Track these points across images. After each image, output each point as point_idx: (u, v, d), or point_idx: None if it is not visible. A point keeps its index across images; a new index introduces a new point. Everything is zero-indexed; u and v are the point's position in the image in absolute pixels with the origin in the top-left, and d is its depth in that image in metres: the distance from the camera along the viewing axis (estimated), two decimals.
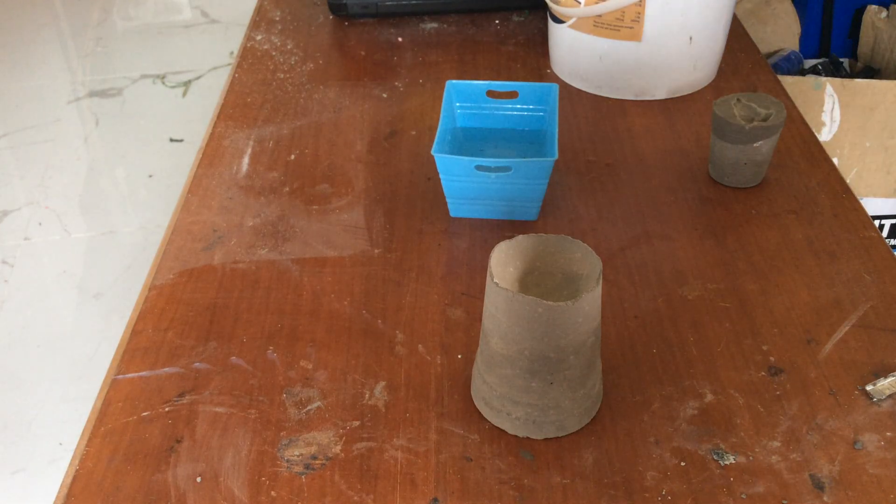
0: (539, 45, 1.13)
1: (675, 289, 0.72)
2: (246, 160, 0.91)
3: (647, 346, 0.67)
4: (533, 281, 0.60)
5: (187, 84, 2.47)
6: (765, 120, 0.80)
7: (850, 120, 1.50)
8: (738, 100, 0.82)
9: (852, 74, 1.78)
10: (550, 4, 1.01)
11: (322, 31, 1.19)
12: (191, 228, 0.81)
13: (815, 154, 0.89)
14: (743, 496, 0.55)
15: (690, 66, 0.98)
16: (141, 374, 0.66)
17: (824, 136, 1.52)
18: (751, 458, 0.58)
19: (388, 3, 1.19)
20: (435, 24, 1.20)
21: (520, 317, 0.54)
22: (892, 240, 1.61)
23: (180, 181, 2.04)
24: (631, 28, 0.94)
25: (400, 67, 1.09)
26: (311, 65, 1.10)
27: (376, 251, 0.77)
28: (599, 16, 0.95)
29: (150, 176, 2.07)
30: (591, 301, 0.54)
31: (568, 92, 1.02)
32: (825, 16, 1.81)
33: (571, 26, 0.98)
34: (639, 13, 0.92)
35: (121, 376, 0.65)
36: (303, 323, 0.70)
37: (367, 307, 0.71)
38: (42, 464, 1.39)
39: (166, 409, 0.63)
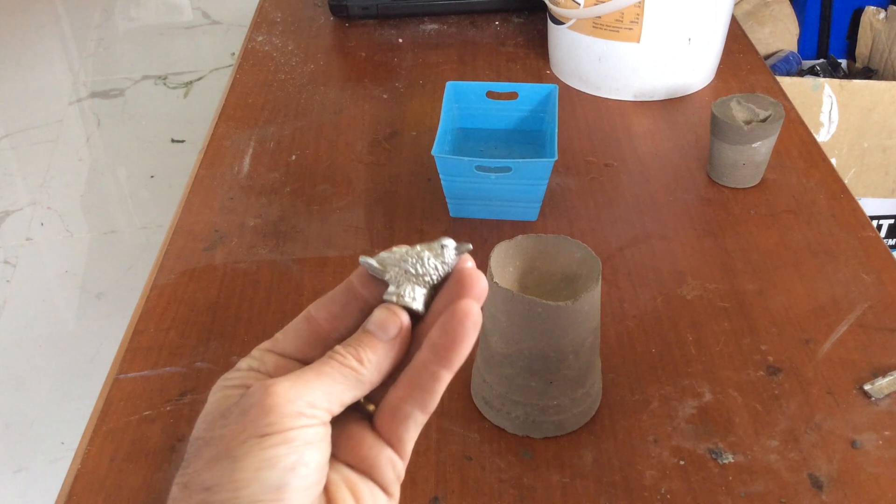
0: (539, 46, 1.13)
1: (673, 289, 0.72)
2: (247, 161, 0.91)
3: (646, 346, 0.67)
4: (533, 281, 0.60)
5: (189, 85, 2.48)
6: (763, 121, 0.80)
7: (849, 120, 1.51)
8: (736, 101, 0.82)
9: (850, 75, 1.79)
10: (550, 6, 1.01)
11: (323, 32, 1.20)
12: (192, 229, 0.81)
13: (814, 154, 0.89)
14: (741, 495, 0.56)
15: (689, 68, 0.98)
16: (143, 373, 0.66)
17: (823, 136, 1.53)
18: (749, 457, 0.58)
19: (388, 5, 1.19)
20: (435, 26, 1.20)
21: (519, 316, 0.54)
22: (890, 240, 1.61)
23: (182, 181, 2.05)
24: (630, 29, 0.94)
25: (400, 68, 1.09)
26: (312, 66, 1.10)
27: (377, 251, 0.78)
28: (599, 17, 0.95)
29: (152, 176, 2.08)
30: (590, 301, 0.54)
31: (567, 93, 1.02)
32: (823, 17, 1.81)
33: (571, 27, 0.99)
34: (638, 14, 0.93)
35: (123, 376, 0.66)
36: None
37: None
38: (44, 463, 1.40)
39: (168, 408, 0.63)
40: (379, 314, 0.33)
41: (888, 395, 0.62)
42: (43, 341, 1.63)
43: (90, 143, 2.23)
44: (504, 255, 0.58)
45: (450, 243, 0.33)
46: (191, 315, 0.71)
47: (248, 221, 0.82)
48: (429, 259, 0.33)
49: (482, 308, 0.32)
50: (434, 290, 0.34)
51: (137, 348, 0.68)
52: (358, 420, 0.33)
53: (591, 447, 0.59)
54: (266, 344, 0.34)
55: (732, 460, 0.58)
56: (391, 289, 0.33)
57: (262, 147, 0.93)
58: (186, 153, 2.15)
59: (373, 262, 0.34)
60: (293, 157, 0.92)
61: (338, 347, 0.32)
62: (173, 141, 2.21)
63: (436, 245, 0.33)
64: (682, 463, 0.58)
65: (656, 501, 0.55)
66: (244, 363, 0.33)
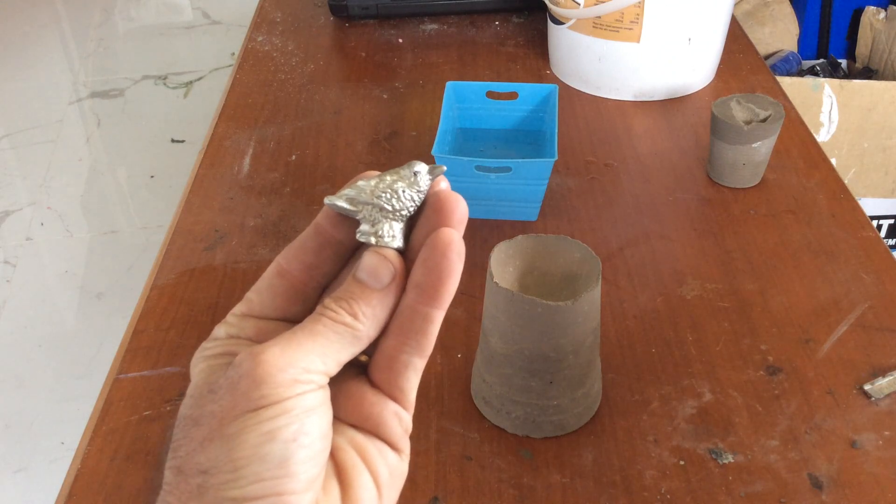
0: (539, 46, 1.13)
1: (673, 288, 0.72)
2: (247, 161, 0.91)
3: (646, 346, 0.67)
4: (532, 281, 0.60)
5: (189, 85, 2.48)
6: (763, 121, 0.80)
7: (849, 120, 1.51)
8: (736, 101, 0.82)
9: (850, 75, 1.79)
10: (550, 6, 1.01)
11: (323, 32, 1.20)
12: (192, 229, 0.81)
13: (814, 154, 0.89)
14: (741, 495, 0.56)
15: (689, 68, 0.98)
16: (142, 373, 0.66)
17: (822, 136, 1.53)
18: (749, 457, 0.58)
19: (388, 5, 1.19)
20: (435, 26, 1.20)
21: (519, 316, 0.54)
22: (889, 240, 1.61)
23: (182, 182, 2.05)
24: (630, 29, 0.94)
25: (400, 68, 1.09)
26: (312, 66, 1.10)
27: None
28: (599, 17, 0.95)
29: (152, 176, 2.08)
30: (590, 301, 0.54)
31: (567, 93, 1.02)
32: (823, 17, 1.81)
33: (571, 27, 0.99)
34: (638, 14, 0.93)
35: (122, 375, 0.66)
36: None
37: None
38: (44, 463, 1.40)
39: (168, 408, 0.63)
40: (369, 260, 0.29)
41: (888, 395, 0.62)
42: (43, 341, 1.63)
43: (90, 143, 2.23)
44: (504, 255, 0.58)
45: (422, 168, 0.30)
46: (191, 315, 0.71)
47: (248, 221, 0.82)
48: (403, 191, 0.30)
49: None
50: (411, 221, 0.31)
51: (137, 348, 0.68)
52: (354, 375, 0.31)
53: (591, 447, 0.59)
54: (240, 307, 0.31)
55: (732, 460, 0.58)
56: (365, 227, 0.30)
57: (262, 147, 0.93)
58: (186, 153, 2.15)
59: (342, 203, 0.30)
60: (293, 157, 0.92)
61: (328, 302, 0.29)
62: (173, 141, 2.21)
63: (406, 172, 0.30)
64: (682, 463, 0.58)
65: (656, 501, 0.55)
66: (221, 330, 0.30)
